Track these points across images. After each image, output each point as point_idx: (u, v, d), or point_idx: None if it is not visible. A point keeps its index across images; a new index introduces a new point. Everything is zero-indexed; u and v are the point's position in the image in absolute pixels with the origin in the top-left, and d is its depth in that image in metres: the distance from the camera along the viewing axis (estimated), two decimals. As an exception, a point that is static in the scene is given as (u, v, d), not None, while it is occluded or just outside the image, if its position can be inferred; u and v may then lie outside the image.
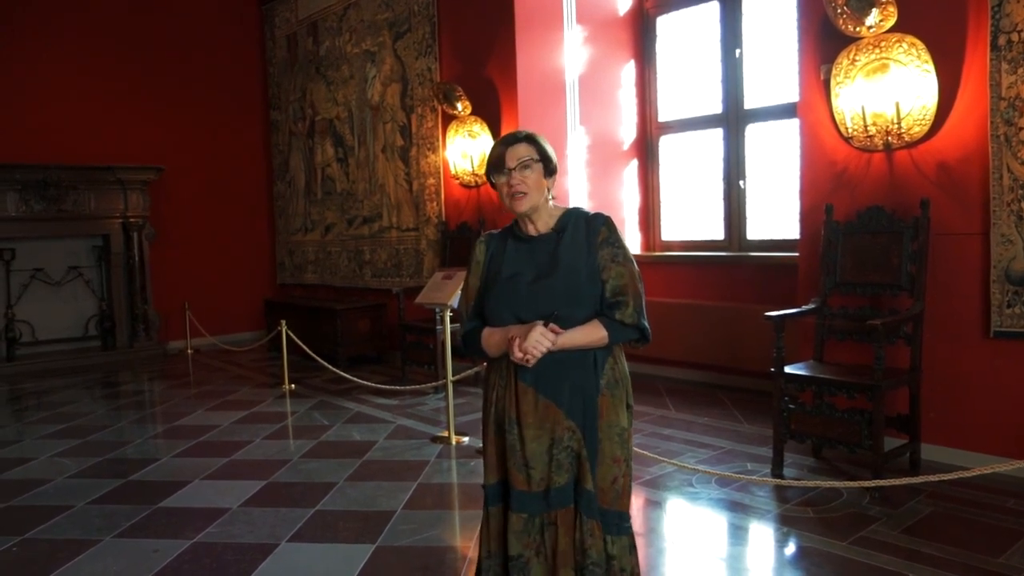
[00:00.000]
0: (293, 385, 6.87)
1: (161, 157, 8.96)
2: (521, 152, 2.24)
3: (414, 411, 5.85)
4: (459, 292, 5.01)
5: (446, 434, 5.04)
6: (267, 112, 9.99)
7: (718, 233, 6.43)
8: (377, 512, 3.78)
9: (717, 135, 6.38)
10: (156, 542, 3.53)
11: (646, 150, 6.96)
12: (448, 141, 7.03)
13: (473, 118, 6.75)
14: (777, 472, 4.13)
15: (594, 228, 2.27)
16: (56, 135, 8.36)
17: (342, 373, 6.29)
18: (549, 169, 2.30)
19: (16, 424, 6.03)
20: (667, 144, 6.86)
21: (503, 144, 2.27)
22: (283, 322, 6.99)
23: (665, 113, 6.85)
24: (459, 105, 6.73)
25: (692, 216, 6.72)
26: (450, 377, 5.08)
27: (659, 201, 6.93)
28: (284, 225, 9.96)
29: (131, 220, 8.69)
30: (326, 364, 6.40)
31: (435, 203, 7.43)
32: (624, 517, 2.27)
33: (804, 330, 4.66)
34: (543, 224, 2.30)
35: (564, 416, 2.19)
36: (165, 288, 9.09)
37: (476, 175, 6.84)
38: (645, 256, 6.81)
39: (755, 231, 6.19)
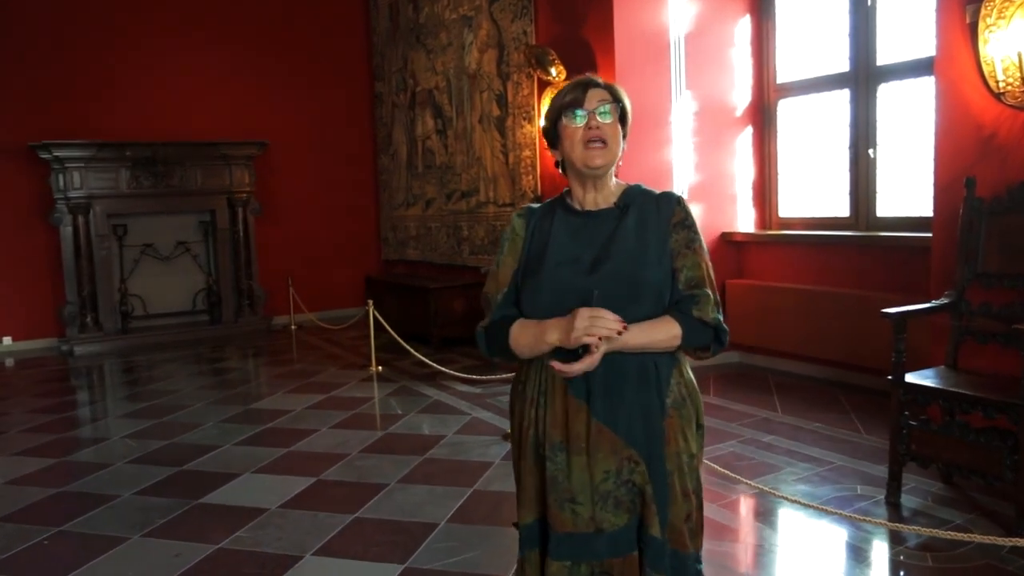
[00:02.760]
0: (380, 368, 6.63)
1: (266, 132, 8.95)
2: (600, 95, 1.81)
3: (495, 401, 5.45)
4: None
5: None
6: (371, 84, 9.80)
7: (842, 209, 5.60)
8: (418, 524, 3.41)
9: (843, 97, 5.52)
10: (181, 545, 3.30)
11: (762, 116, 6.17)
12: (543, 108, 6.52)
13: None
14: (893, 500, 3.43)
15: (667, 207, 1.82)
16: (164, 113, 8.49)
17: (423, 358, 5.97)
18: (625, 126, 1.85)
19: (107, 401, 6.11)
20: (786, 109, 6.05)
21: (578, 85, 1.82)
22: (370, 302, 6.75)
23: (784, 74, 6.03)
24: (553, 70, 6.19)
25: (813, 190, 5.91)
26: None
27: (776, 173, 6.15)
28: (388, 199, 9.79)
29: (236, 195, 8.74)
30: (408, 348, 6.11)
31: (531, 176, 6.96)
32: (697, 560, 1.81)
33: (936, 329, 3.88)
34: (604, 197, 1.83)
35: (624, 444, 1.71)
36: (269, 263, 9.12)
37: (570, 146, 6.29)
38: (759, 235, 6.08)
39: (886, 207, 5.32)
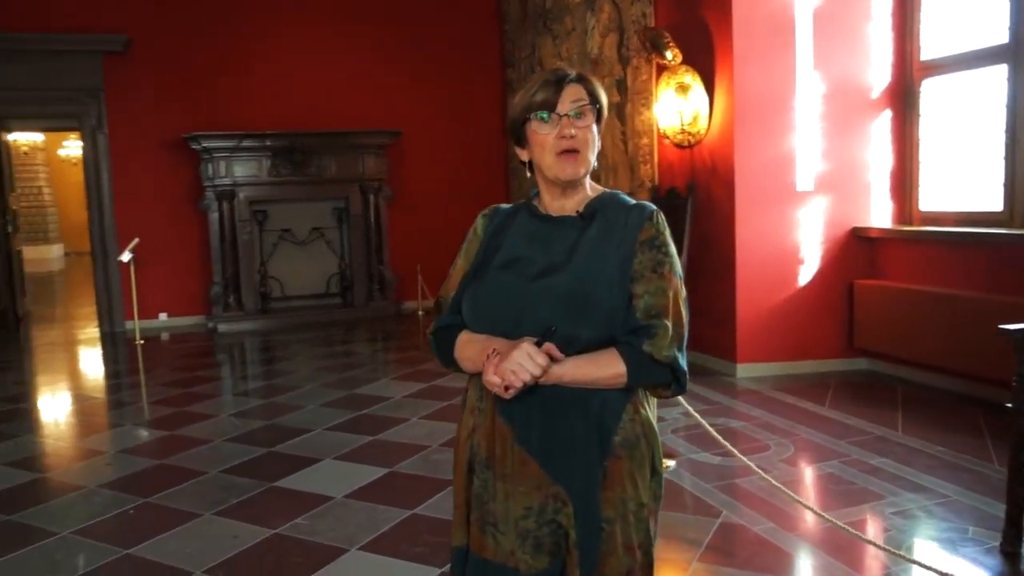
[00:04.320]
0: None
1: (398, 121, 9.14)
2: (575, 93, 1.59)
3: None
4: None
5: None
6: (503, 71, 9.77)
7: (995, 203, 4.94)
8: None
9: (999, 74, 4.85)
10: (242, 527, 3.40)
11: (903, 97, 5.55)
12: (659, 94, 6.21)
13: (684, 68, 5.86)
14: (1010, 549, 2.95)
15: (636, 220, 1.57)
16: (301, 103, 8.86)
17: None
18: (600, 124, 1.64)
19: (230, 378, 6.48)
20: (931, 89, 5.41)
21: (551, 82, 1.59)
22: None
23: (930, 49, 5.38)
24: (668, 53, 5.87)
25: (961, 182, 5.25)
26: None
27: (917, 162, 5.52)
28: (516, 187, 9.74)
29: (368, 183, 9.00)
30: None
31: (649, 165, 6.67)
32: None
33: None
34: (574, 204, 1.63)
35: (549, 480, 1.52)
36: (400, 249, 9.34)
37: (687, 132, 5.96)
38: (896, 231, 5.49)
39: (1045, 202, 4.64)
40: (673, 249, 1.58)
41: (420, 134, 9.38)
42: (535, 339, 1.46)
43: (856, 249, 5.61)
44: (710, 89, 5.69)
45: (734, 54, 5.41)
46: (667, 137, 6.25)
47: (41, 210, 17.49)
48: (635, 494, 1.55)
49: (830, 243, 5.62)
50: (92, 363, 7.39)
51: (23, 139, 15.17)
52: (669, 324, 1.51)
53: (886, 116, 5.56)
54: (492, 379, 1.46)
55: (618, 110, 7.04)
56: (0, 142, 9.12)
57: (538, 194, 1.68)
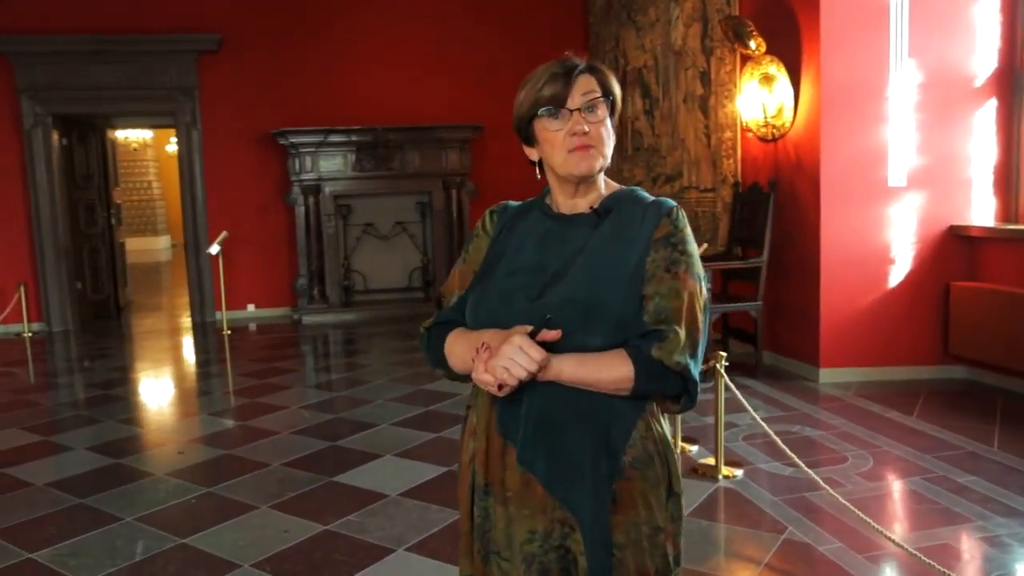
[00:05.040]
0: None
1: (481, 115, 9.10)
2: (586, 85, 1.46)
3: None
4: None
5: (712, 461, 3.86)
6: (587, 65, 9.60)
7: (1114, 201, 4.49)
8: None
9: (1121, 58, 4.40)
10: (295, 521, 3.42)
11: (1010, 85, 5.12)
12: (742, 86, 5.95)
13: (768, 58, 5.58)
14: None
15: (651, 217, 1.45)
16: (385, 98, 8.95)
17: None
18: (614, 112, 1.51)
19: (307, 370, 6.60)
20: (1043, 75, 4.97)
21: (558, 74, 1.45)
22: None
23: (1043, 32, 4.95)
24: (751, 43, 5.60)
25: (1076, 176, 4.80)
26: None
27: (1025, 155, 5.09)
28: (599, 183, 9.58)
29: (451, 177, 9.02)
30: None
31: (732, 160, 6.40)
32: None
33: None
34: (589, 201, 1.51)
35: (554, 502, 1.42)
36: (481, 245, 9.32)
37: (771, 126, 5.68)
38: (1001, 230, 5.08)
39: None
40: (693, 248, 1.45)
41: (503, 128, 9.17)
42: (529, 329, 1.35)
43: (953, 249, 5.21)
44: (795, 79, 5.40)
45: (821, 41, 5.10)
46: (750, 130, 5.98)
47: (150, 204, 18.42)
48: (649, 517, 1.43)
49: (924, 242, 5.24)
50: (180, 352, 7.69)
51: (133, 136, 15.97)
52: (681, 330, 1.38)
53: (990, 106, 5.14)
54: (483, 376, 1.36)
55: (701, 103, 6.79)
56: (105, 140, 9.62)
57: (550, 192, 1.57)
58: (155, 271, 16.12)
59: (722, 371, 3.69)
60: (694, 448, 4.16)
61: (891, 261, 5.25)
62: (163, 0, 8.54)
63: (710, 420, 4.11)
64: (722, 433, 3.78)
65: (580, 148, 1.44)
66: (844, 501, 3.04)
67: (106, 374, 6.56)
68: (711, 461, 3.84)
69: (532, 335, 1.34)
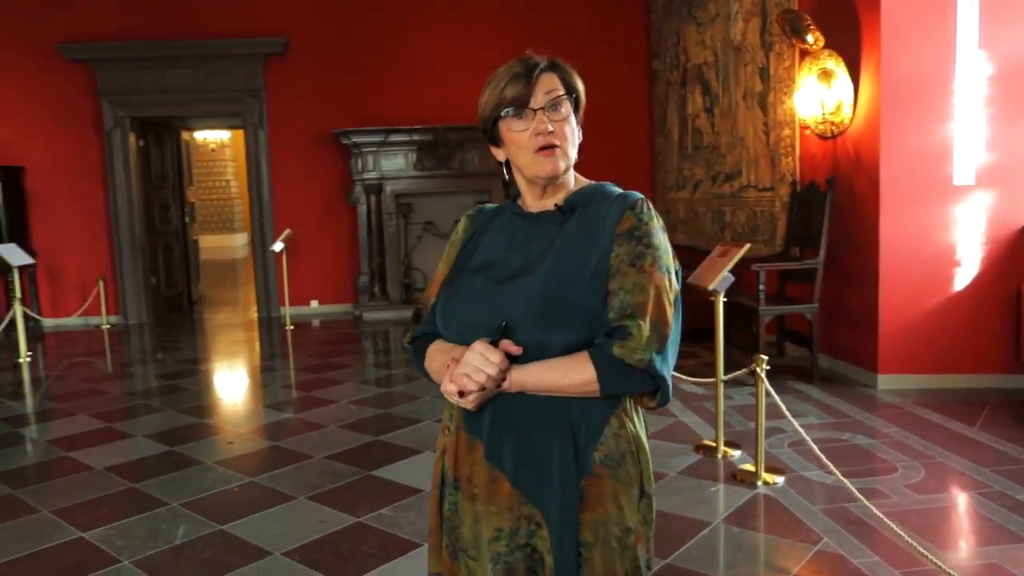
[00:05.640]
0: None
1: (541, 115, 9.11)
2: (549, 84, 1.47)
3: (711, 405, 5.00)
4: (723, 274, 4.09)
5: (713, 443, 4.18)
6: (649, 62, 9.49)
7: None
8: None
9: None
10: (330, 513, 3.50)
11: (1089, 78, 4.83)
12: (800, 82, 5.78)
13: (827, 52, 5.41)
14: None
15: (615, 211, 1.44)
16: (445, 98, 9.00)
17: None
18: (578, 108, 1.52)
19: (361, 365, 6.73)
20: (1124, 67, 4.67)
21: (520, 74, 1.46)
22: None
23: (1125, 21, 4.65)
24: (809, 37, 5.44)
25: None
26: (720, 375, 4.18)
27: (1105, 152, 4.79)
28: (661, 181, 9.45)
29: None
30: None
31: (790, 158, 6.23)
32: None
33: None
34: (559, 198, 1.51)
35: (520, 498, 1.42)
36: (540, 244, 9.32)
37: (830, 122, 5.51)
38: (1075, 231, 4.80)
39: None
40: (660, 240, 1.42)
41: (562, 127, 9.29)
42: (489, 339, 1.36)
43: (1026, 250, 4.96)
44: (855, 74, 5.22)
45: (882, 33, 4.92)
46: (808, 127, 5.81)
47: (228, 202, 19.06)
48: (619, 517, 1.41)
49: (994, 243, 4.99)
50: (244, 346, 7.93)
51: (212, 137, 16.56)
52: (646, 324, 1.35)
53: (1067, 99, 4.87)
54: (448, 387, 1.38)
55: (760, 99, 6.63)
56: (179, 141, 10.00)
57: (520, 194, 1.57)
58: (231, 267, 16.66)
59: (763, 375, 3.60)
60: (736, 453, 4.08)
61: (956, 263, 5.03)
62: (232, 5, 8.84)
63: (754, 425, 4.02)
64: (762, 439, 3.69)
65: (545, 149, 1.44)
66: (878, 512, 2.92)
67: (175, 366, 6.83)
68: (751, 467, 3.76)
69: (494, 343, 1.35)
